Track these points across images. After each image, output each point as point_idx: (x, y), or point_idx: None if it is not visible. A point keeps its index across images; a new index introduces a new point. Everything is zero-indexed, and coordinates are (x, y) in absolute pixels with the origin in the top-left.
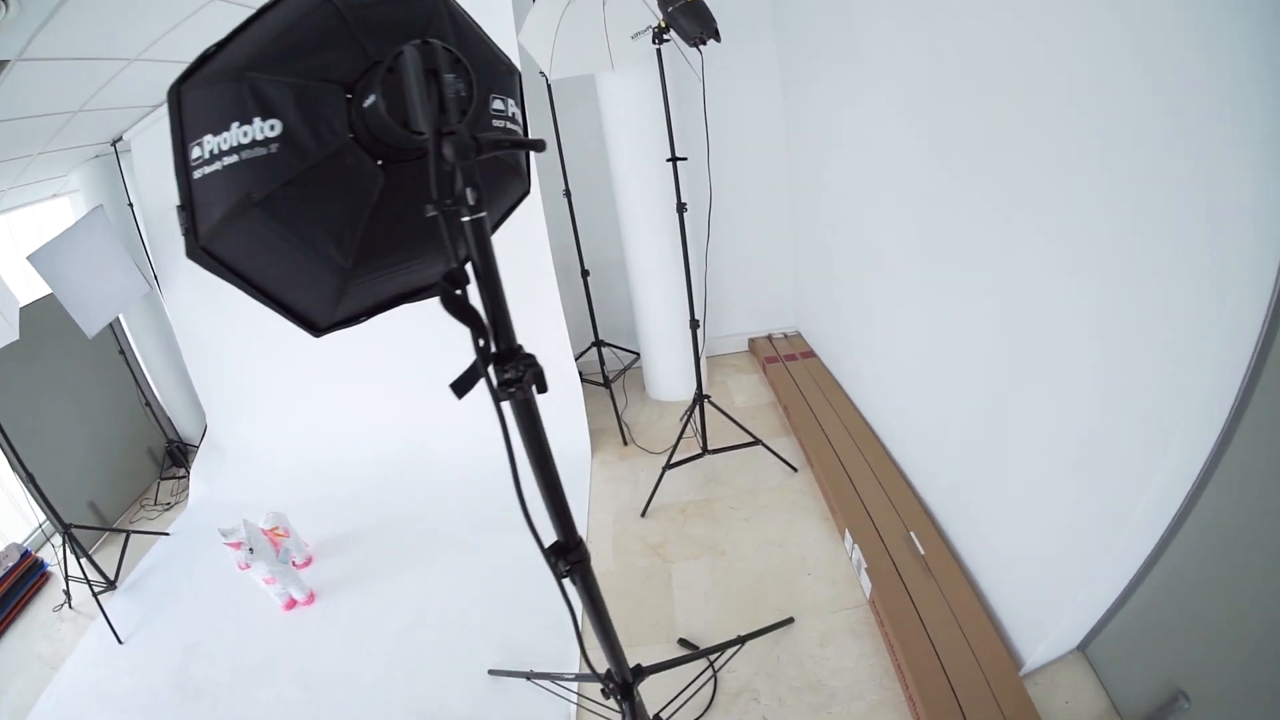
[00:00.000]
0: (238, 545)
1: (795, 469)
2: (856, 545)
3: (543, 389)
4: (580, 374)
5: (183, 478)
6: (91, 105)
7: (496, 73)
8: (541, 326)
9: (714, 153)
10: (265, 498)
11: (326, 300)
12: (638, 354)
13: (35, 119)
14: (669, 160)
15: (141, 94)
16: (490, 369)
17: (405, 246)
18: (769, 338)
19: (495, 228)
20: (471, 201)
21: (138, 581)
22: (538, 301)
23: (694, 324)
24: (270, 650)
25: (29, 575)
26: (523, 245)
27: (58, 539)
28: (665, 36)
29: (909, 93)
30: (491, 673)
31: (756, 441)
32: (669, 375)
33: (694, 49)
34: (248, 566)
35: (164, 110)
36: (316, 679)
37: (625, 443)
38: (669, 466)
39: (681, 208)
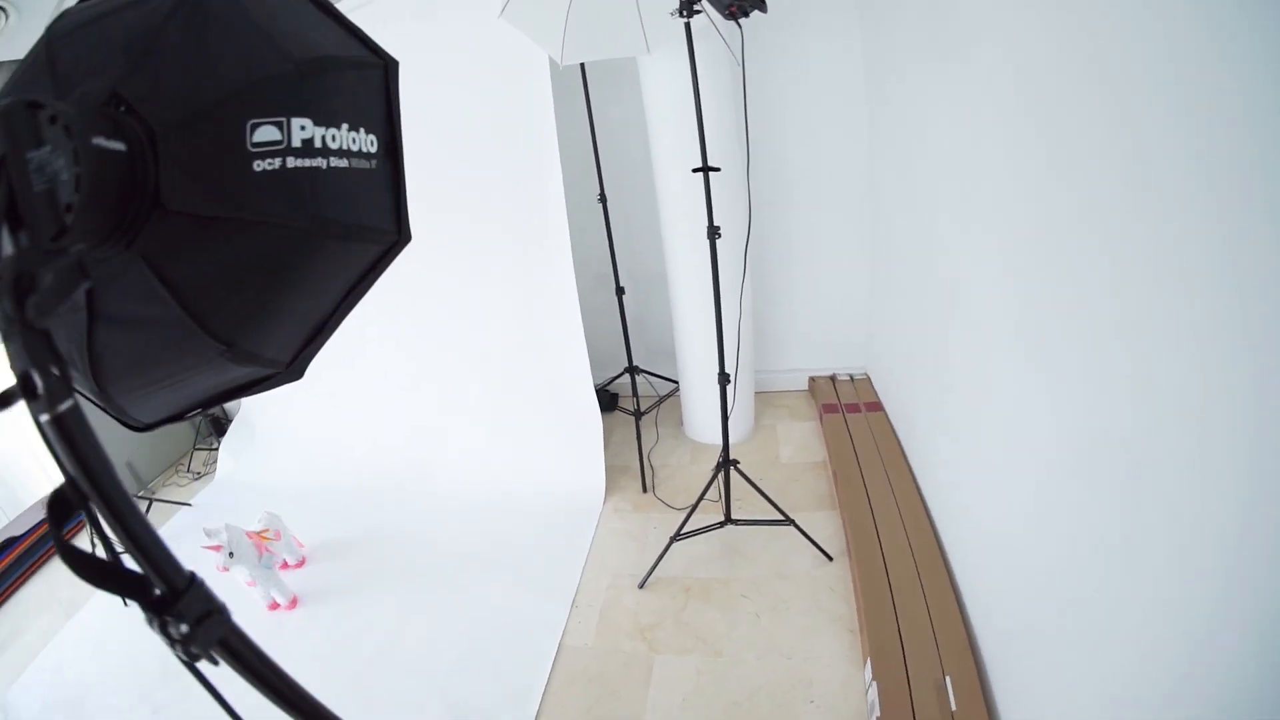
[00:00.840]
0: (218, 548)
1: (830, 558)
2: (875, 682)
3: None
4: (615, 398)
5: (215, 449)
6: None
7: (293, 85)
8: (559, 346)
9: (781, 158)
10: (282, 485)
11: (117, 410)
12: (677, 384)
13: None
14: (696, 171)
15: None
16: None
17: (156, 364)
18: (833, 379)
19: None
20: (42, 388)
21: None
22: (556, 319)
23: (723, 379)
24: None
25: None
26: (543, 253)
27: None
28: (696, 7)
29: (1024, 99)
30: None
31: (788, 521)
32: (709, 414)
33: (730, 21)
34: (226, 569)
35: None
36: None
37: (645, 489)
38: (678, 537)
39: (714, 231)
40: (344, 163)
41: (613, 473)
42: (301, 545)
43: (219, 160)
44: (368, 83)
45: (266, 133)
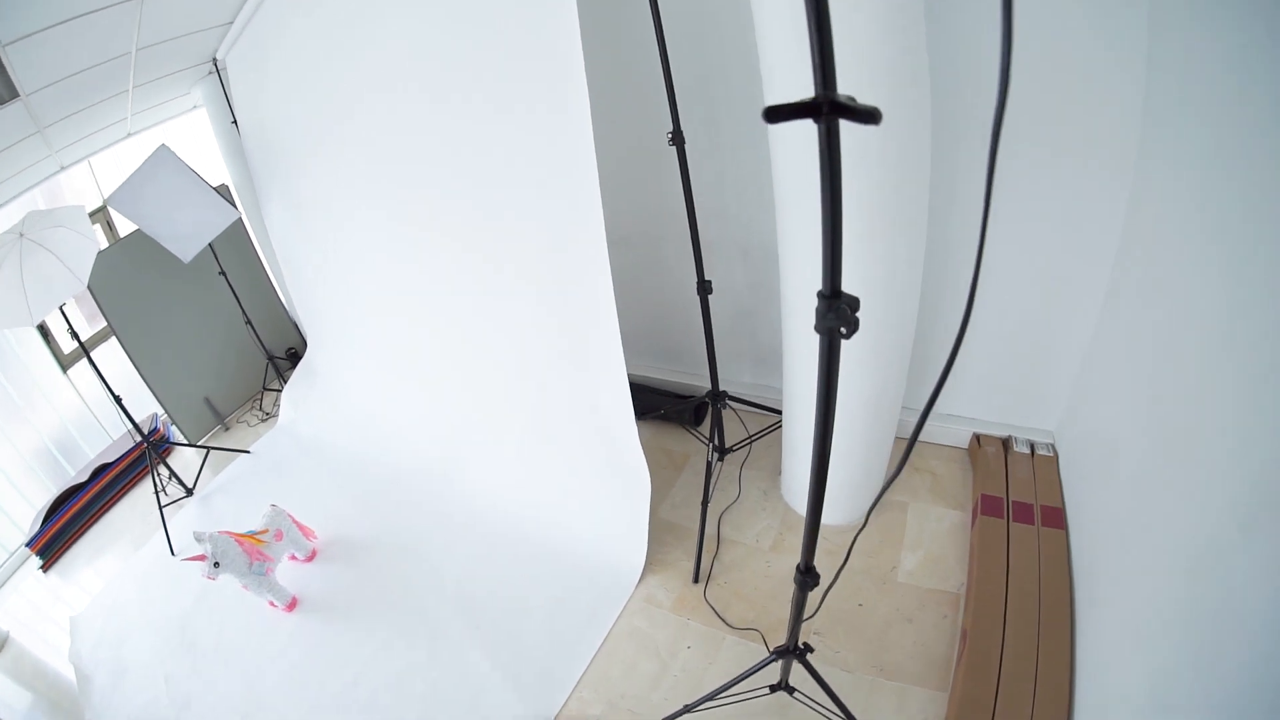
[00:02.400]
0: (202, 558)
1: None
2: None
3: None
4: (701, 409)
5: (278, 391)
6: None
7: None
8: (596, 369)
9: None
10: (330, 446)
11: None
12: (780, 416)
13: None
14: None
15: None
16: None
17: None
18: (1006, 444)
19: None
20: None
21: (211, 495)
22: (591, 336)
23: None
24: (247, 642)
25: (157, 445)
26: (571, 236)
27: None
28: None
29: None
30: None
31: None
32: (830, 472)
33: None
34: (213, 579)
35: (244, 26)
36: (260, 691)
37: (696, 578)
38: (691, 710)
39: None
40: None
41: (664, 535)
42: (314, 537)
43: None
44: None
45: None
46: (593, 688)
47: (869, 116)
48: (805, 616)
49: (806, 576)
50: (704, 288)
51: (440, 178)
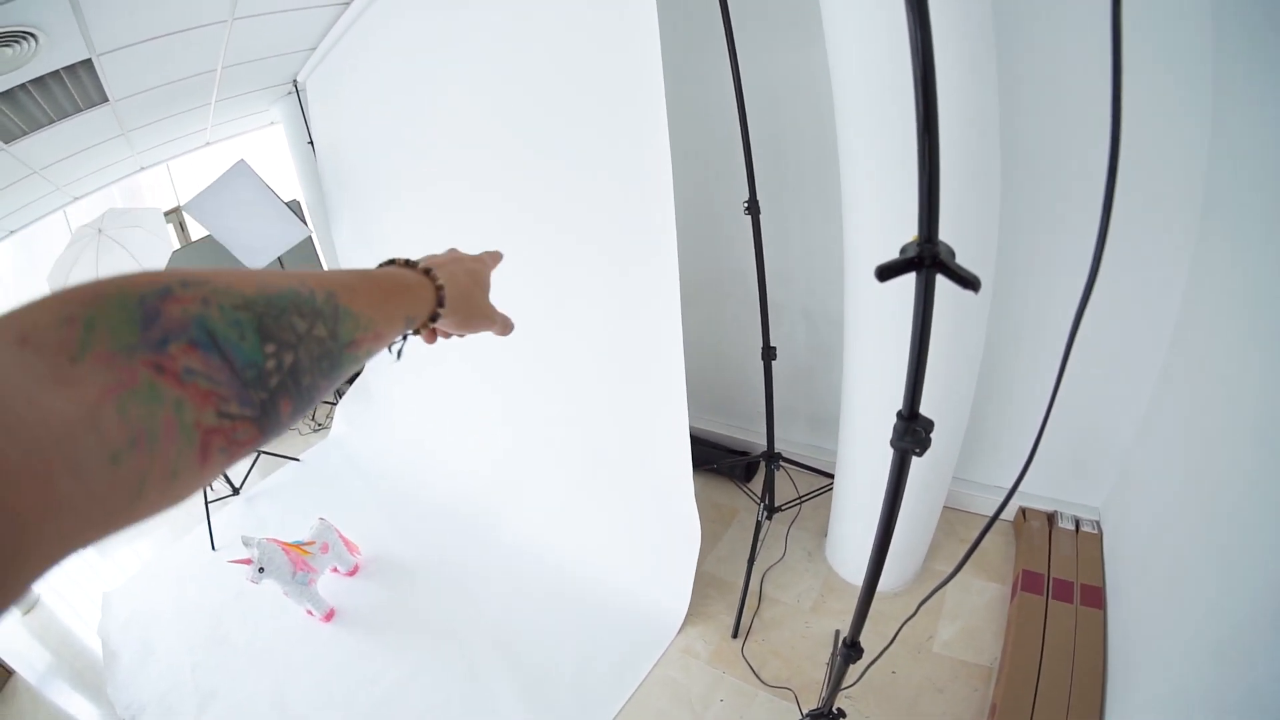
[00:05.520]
0: (248, 562)
1: None
2: None
3: None
4: (753, 466)
5: (335, 404)
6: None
7: None
8: (651, 420)
9: (1048, 151)
10: (378, 464)
11: None
12: (831, 479)
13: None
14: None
15: (280, 43)
16: None
17: None
18: (1051, 519)
19: None
20: None
21: (256, 496)
22: (652, 375)
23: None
24: (281, 645)
25: None
26: (644, 285)
27: None
28: None
29: None
30: None
31: None
32: (866, 538)
33: None
34: (256, 583)
35: (326, 53)
36: (287, 696)
37: (736, 633)
38: None
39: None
40: None
41: (707, 589)
42: (357, 552)
43: None
44: None
45: None
46: None
47: (967, 284)
48: (844, 686)
49: (851, 651)
50: (769, 353)
51: (509, 212)
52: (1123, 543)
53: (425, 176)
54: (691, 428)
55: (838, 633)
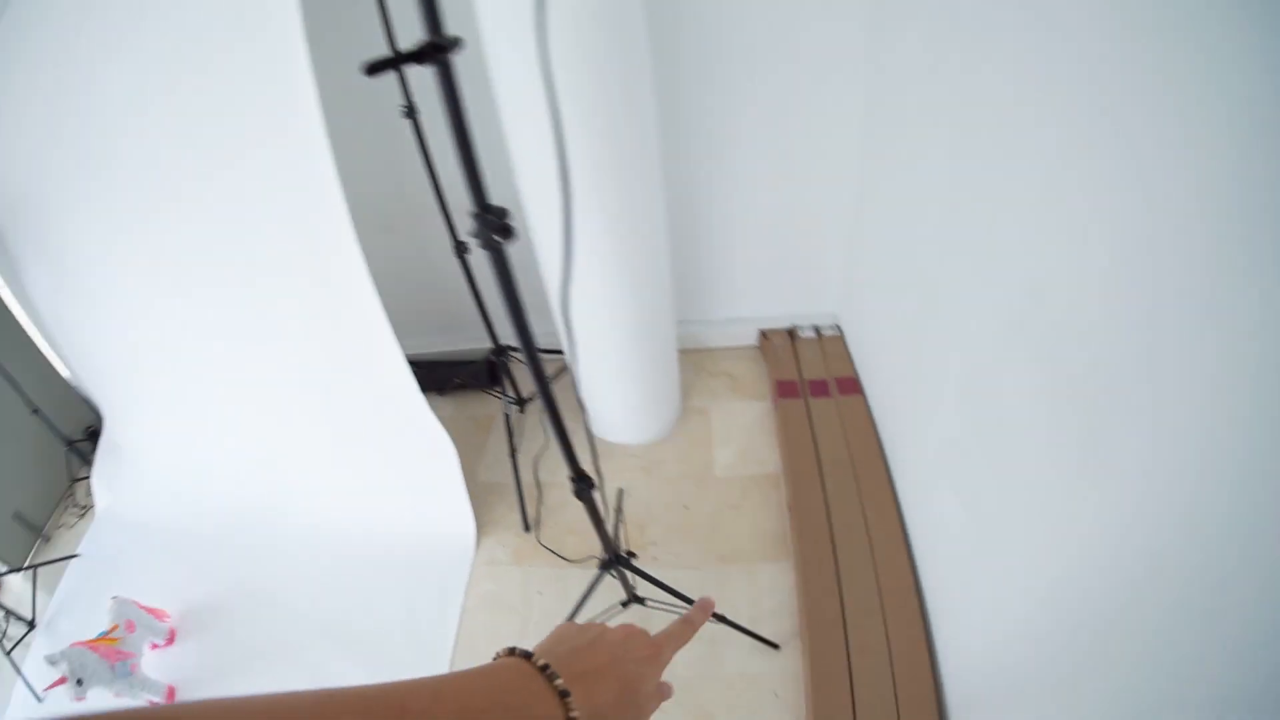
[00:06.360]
0: (63, 681)
1: (776, 646)
2: None
3: None
4: (493, 366)
5: (86, 479)
6: None
7: None
8: (373, 366)
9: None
10: (158, 520)
11: None
12: (563, 356)
13: None
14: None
15: None
16: None
17: None
18: (791, 334)
19: None
20: None
21: (55, 617)
22: (355, 323)
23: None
24: None
25: None
26: (317, 238)
27: None
28: None
29: None
30: None
31: (722, 620)
32: (615, 399)
33: None
34: (83, 699)
35: None
36: None
37: (528, 527)
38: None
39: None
40: None
41: (488, 497)
42: (166, 618)
43: None
44: None
45: None
46: (466, 664)
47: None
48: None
49: (581, 483)
50: (460, 248)
51: (188, 211)
52: (865, 333)
53: (111, 191)
54: (425, 354)
55: (620, 490)
